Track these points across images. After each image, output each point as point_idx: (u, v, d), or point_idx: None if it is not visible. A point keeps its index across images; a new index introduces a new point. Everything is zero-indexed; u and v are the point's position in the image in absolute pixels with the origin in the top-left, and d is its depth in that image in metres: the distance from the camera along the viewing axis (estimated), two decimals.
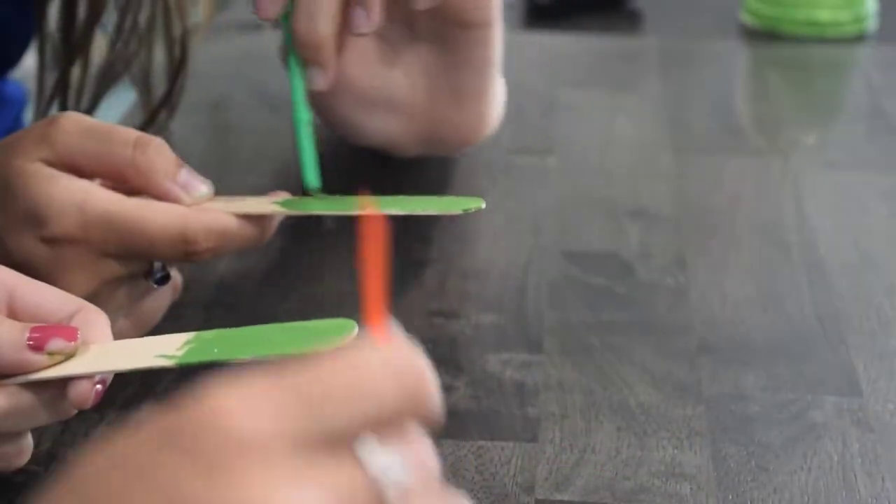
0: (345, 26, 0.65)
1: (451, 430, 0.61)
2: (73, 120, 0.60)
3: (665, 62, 1.08)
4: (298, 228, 0.79)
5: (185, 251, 0.59)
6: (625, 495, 0.57)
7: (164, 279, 0.62)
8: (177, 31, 0.80)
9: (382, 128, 0.71)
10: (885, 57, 1.11)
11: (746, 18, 1.18)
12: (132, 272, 0.60)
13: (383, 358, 0.35)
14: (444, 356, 0.67)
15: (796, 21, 1.15)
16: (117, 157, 0.60)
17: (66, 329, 0.52)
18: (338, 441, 0.33)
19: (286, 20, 0.65)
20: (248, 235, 0.62)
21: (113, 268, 0.59)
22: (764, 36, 1.16)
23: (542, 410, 0.63)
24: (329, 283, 0.74)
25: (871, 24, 1.16)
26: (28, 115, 0.90)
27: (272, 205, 0.64)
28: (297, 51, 0.65)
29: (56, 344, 0.52)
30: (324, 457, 0.33)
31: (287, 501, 0.32)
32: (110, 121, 0.81)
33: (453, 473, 0.58)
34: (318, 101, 0.68)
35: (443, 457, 0.59)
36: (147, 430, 0.33)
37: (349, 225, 0.81)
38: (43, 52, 0.82)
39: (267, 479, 0.32)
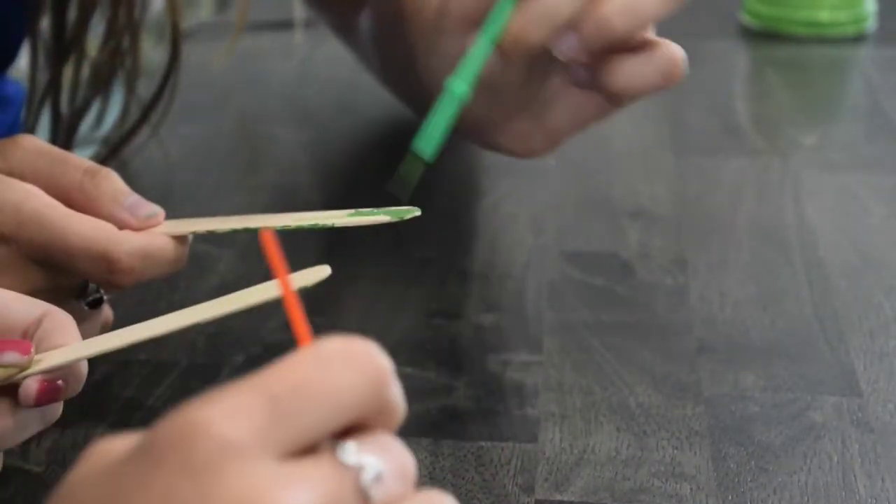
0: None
1: (451, 430, 0.61)
2: (31, 140, 0.62)
3: None
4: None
5: (107, 268, 0.59)
6: (624, 495, 0.57)
7: (97, 302, 0.61)
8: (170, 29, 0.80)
9: (518, 134, 0.67)
10: (885, 57, 1.11)
11: (746, 18, 1.18)
12: (58, 285, 0.60)
13: (343, 351, 0.36)
14: (444, 356, 0.67)
15: (796, 21, 1.15)
16: (67, 180, 0.61)
17: (19, 343, 0.53)
18: (312, 439, 0.35)
19: None
20: (171, 257, 0.61)
21: (39, 277, 0.60)
22: (764, 36, 1.16)
23: (542, 411, 0.63)
24: (329, 282, 0.74)
25: (871, 24, 1.16)
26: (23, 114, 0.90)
27: (220, 224, 0.62)
28: (511, 28, 0.59)
29: (10, 357, 0.53)
30: (302, 456, 0.35)
31: (275, 498, 0.33)
32: (106, 121, 0.81)
33: (453, 473, 0.58)
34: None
35: (443, 457, 0.60)
36: (138, 443, 0.35)
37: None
38: (35, 50, 0.82)
39: (254, 478, 0.33)
